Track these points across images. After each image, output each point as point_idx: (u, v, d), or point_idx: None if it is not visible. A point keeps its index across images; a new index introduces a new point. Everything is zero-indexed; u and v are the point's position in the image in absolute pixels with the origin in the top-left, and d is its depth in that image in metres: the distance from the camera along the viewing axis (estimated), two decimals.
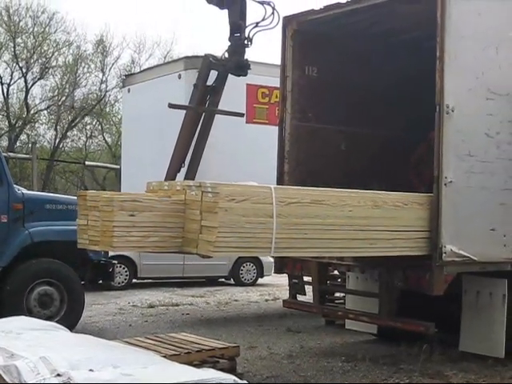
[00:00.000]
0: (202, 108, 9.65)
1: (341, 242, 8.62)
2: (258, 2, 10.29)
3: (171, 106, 9.81)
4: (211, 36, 66.16)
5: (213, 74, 11.23)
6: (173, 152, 9.68)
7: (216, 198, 7.58)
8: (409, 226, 9.12)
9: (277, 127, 11.36)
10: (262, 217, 7.89)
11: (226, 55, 9.94)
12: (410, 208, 9.13)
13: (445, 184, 9.20)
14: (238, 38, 9.79)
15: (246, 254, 8.60)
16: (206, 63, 9.69)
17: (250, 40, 10.03)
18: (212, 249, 7.64)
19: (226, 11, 10.29)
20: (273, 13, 10.15)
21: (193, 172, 9.55)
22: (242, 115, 11.01)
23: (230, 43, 9.90)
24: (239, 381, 5.22)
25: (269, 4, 10.21)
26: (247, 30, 10.08)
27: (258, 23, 10.25)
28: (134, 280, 19.97)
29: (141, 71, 20.63)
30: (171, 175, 9.38)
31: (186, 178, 9.36)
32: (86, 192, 8.69)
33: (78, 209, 8.61)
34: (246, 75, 10.38)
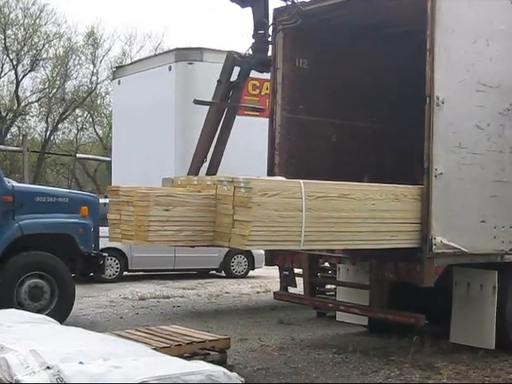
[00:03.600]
0: (225, 103, 9.75)
1: (365, 235, 8.84)
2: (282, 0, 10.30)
3: (197, 102, 9.89)
4: (202, 28, 66.21)
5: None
6: (196, 147, 9.78)
7: (249, 193, 7.78)
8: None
9: (267, 119, 11.36)
10: (292, 211, 8.11)
11: (250, 52, 9.99)
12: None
13: (435, 176, 9.21)
14: (262, 36, 9.85)
15: (276, 247, 8.79)
16: (230, 59, 9.76)
17: (273, 37, 10.14)
18: (245, 242, 7.85)
19: (235, 9, 10.29)
20: (297, 10, 10.14)
21: (214, 166, 9.68)
22: (262, 110, 11.15)
23: (253, 40, 9.97)
24: (229, 373, 5.23)
25: (292, 1, 10.21)
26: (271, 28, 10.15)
27: (281, 21, 10.27)
28: (125, 272, 19.94)
29: (131, 63, 20.60)
30: (194, 169, 9.52)
31: (207, 173, 9.50)
32: (119, 187, 8.78)
33: (109, 204, 8.77)
34: (268, 72, 10.54)
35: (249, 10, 9.97)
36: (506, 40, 9.95)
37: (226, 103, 9.82)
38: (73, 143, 48.39)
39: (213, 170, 9.67)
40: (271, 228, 7.98)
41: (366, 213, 8.75)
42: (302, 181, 8.36)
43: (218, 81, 9.84)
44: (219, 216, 8.13)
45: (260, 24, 9.86)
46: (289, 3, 10.29)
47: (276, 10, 10.70)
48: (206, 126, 9.81)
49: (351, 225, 8.67)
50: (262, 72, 10.49)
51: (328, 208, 8.42)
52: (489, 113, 9.81)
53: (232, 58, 9.80)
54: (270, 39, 10.02)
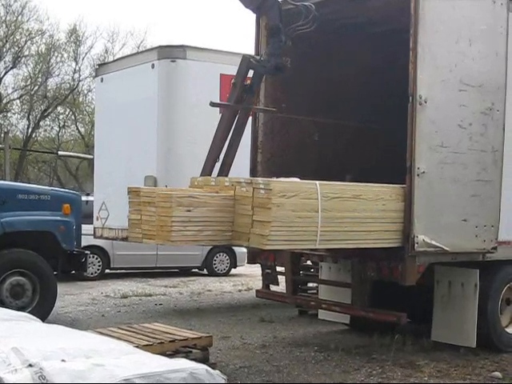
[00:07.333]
0: (239, 106, 9.84)
1: (376, 234, 9.04)
2: (295, 5, 10.28)
3: (213, 104, 9.97)
4: (185, 26, 66.11)
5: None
6: (210, 147, 9.84)
7: (269, 194, 7.96)
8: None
9: (250, 118, 11.34)
10: (309, 211, 8.31)
11: (264, 56, 10.03)
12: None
13: (417, 175, 9.24)
14: (277, 40, 9.91)
15: (294, 247, 9.02)
16: (245, 62, 9.82)
17: (288, 42, 10.18)
18: (265, 242, 8.03)
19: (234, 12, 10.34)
20: (312, 15, 10.14)
21: (227, 166, 9.76)
22: (275, 112, 11.21)
23: (268, 45, 10.04)
24: (212, 370, 5.21)
25: (306, 6, 10.21)
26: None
27: (296, 25, 10.29)
28: (107, 270, 19.92)
29: (114, 60, 20.46)
30: (208, 169, 9.66)
31: (220, 173, 9.59)
32: (140, 188, 8.89)
33: (129, 204, 8.83)
34: (283, 75, 10.62)
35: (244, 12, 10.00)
36: (488, 40, 9.97)
37: (240, 106, 9.91)
38: (55, 141, 48.20)
39: (225, 170, 9.77)
40: (289, 228, 8.16)
41: (377, 213, 8.97)
42: (317, 182, 8.50)
43: (232, 83, 9.95)
44: (238, 216, 8.30)
45: (275, 29, 9.92)
46: (303, 9, 10.27)
47: (291, 16, 10.67)
48: (219, 127, 9.92)
49: (363, 224, 8.87)
50: (276, 76, 10.59)
51: (342, 208, 8.62)
52: (471, 112, 9.83)
53: (247, 61, 9.87)
54: (284, 44, 10.04)
